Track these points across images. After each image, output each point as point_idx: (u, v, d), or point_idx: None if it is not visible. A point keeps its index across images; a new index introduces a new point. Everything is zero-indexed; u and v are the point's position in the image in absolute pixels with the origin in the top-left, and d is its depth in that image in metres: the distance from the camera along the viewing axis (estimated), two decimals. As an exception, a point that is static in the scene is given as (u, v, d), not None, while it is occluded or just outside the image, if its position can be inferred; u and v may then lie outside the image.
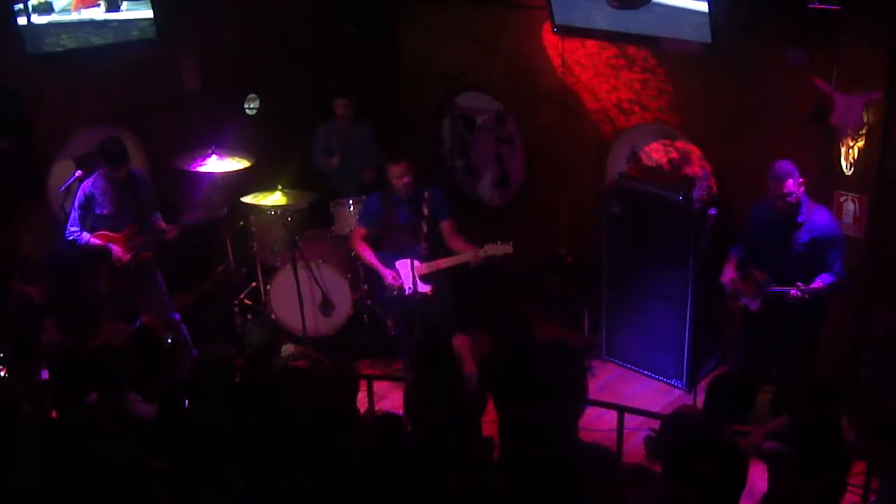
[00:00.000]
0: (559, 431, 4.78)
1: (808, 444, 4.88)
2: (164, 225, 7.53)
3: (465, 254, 7.22)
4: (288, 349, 8.09)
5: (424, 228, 7.31)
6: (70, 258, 7.58)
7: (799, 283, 6.18)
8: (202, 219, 7.79)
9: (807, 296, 6.18)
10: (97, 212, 7.37)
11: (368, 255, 7.50)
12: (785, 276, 6.34)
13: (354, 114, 8.84)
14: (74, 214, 7.36)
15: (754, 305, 6.54)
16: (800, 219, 6.36)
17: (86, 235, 7.34)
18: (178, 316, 7.81)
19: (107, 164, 7.28)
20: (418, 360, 5.70)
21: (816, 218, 6.37)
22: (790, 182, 6.25)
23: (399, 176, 7.29)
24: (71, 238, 7.35)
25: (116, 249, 7.35)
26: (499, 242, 7.11)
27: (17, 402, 4.96)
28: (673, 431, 5.23)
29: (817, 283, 6.19)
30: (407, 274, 7.27)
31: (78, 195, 7.39)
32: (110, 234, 7.39)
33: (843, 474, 5.02)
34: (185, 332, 7.81)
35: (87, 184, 7.38)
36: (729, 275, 6.68)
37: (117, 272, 7.40)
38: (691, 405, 6.62)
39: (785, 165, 6.31)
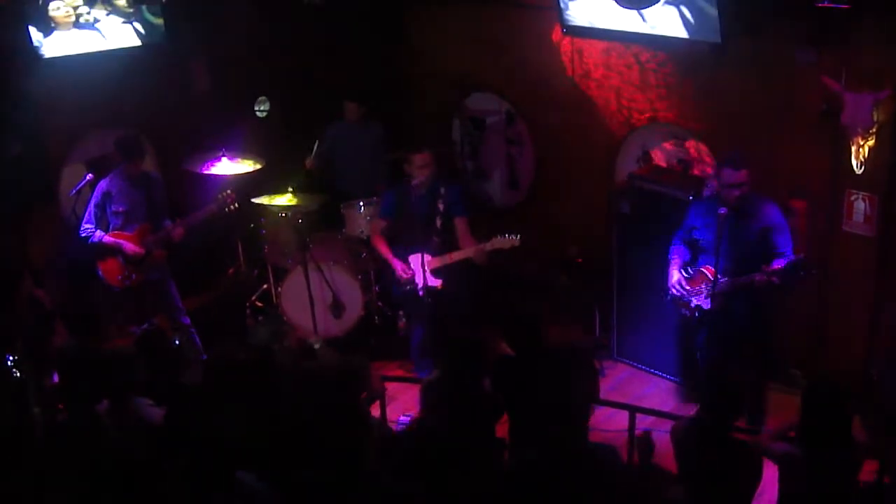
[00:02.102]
0: (569, 433, 4.78)
1: (818, 444, 4.87)
2: (170, 226, 7.60)
3: (469, 249, 7.29)
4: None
5: (438, 223, 7.38)
6: (81, 260, 7.65)
7: (764, 267, 6.18)
8: (209, 214, 7.75)
9: (774, 278, 6.16)
10: (112, 209, 7.47)
11: (383, 249, 7.59)
12: (737, 269, 6.36)
13: (364, 116, 8.86)
14: (90, 212, 7.47)
15: (707, 304, 6.51)
16: (749, 209, 6.38)
17: (99, 233, 7.44)
18: (188, 320, 7.86)
19: (122, 157, 7.42)
20: (449, 352, 5.69)
21: (765, 209, 6.42)
22: (746, 172, 6.29)
23: (421, 166, 7.34)
24: (84, 235, 7.44)
25: (129, 246, 7.43)
26: (506, 235, 7.17)
27: (28, 404, 4.98)
28: (685, 434, 5.24)
29: (777, 265, 6.18)
30: (419, 268, 7.34)
31: (95, 193, 7.50)
32: (123, 233, 7.47)
33: (854, 475, 5.00)
34: (195, 335, 7.85)
35: (104, 181, 7.50)
36: (674, 278, 6.69)
37: (131, 267, 7.49)
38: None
39: (741, 155, 6.36)
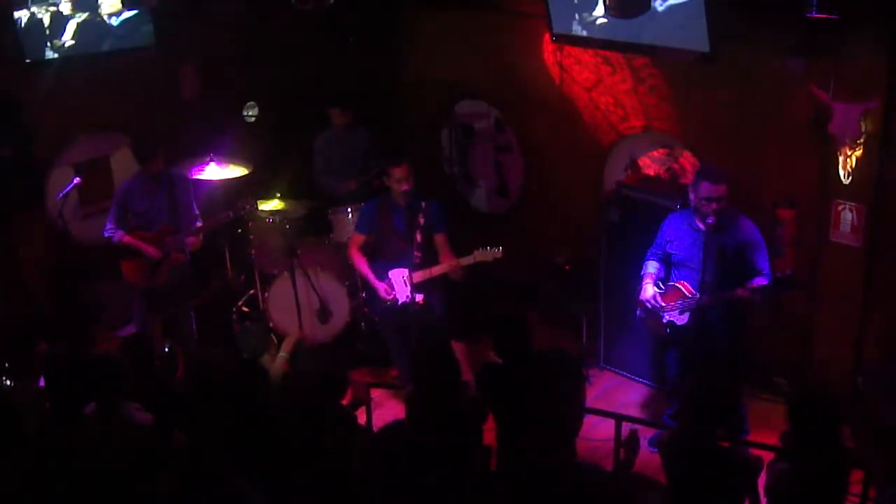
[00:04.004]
0: (556, 441, 4.77)
1: (807, 453, 4.86)
2: (186, 232, 7.62)
3: (451, 262, 7.22)
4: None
5: (418, 238, 7.28)
6: (74, 262, 7.67)
7: (747, 284, 6.16)
8: (225, 221, 7.83)
9: (757, 295, 6.14)
10: (132, 208, 7.55)
11: (362, 266, 7.51)
12: (716, 283, 6.31)
13: (351, 122, 8.84)
14: (113, 211, 7.54)
15: (681, 319, 6.45)
16: (726, 224, 6.34)
17: (119, 233, 7.50)
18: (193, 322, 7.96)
19: (136, 160, 7.60)
20: (418, 366, 5.67)
21: (741, 224, 6.36)
22: (725, 187, 6.24)
23: (399, 179, 7.23)
24: (107, 235, 7.52)
25: (145, 248, 7.49)
26: (488, 248, 7.11)
27: (24, 412, 4.96)
28: (669, 444, 5.24)
29: (760, 283, 6.16)
30: (400, 283, 7.28)
31: (118, 192, 7.63)
32: (143, 233, 7.54)
33: (843, 484, 5.00)
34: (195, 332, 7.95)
35: (126, 181, 7.65)
36: (649, 292, 6.63)
37: (148, 270, 7.57)
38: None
39: (721, 169, 6.31)
